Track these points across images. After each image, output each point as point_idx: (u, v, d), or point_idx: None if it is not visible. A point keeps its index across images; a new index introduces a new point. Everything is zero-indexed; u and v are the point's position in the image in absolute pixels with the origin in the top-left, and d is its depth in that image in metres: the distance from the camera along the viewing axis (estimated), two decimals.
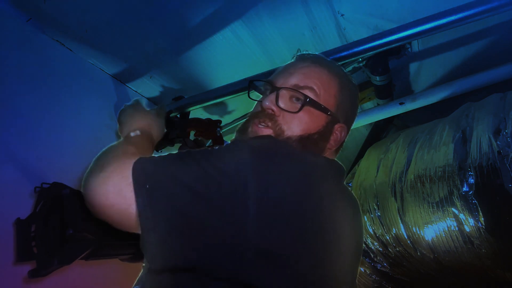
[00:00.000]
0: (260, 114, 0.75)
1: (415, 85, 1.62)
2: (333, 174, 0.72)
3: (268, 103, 0.74)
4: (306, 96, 0.73)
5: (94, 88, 1.40)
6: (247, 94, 0.87)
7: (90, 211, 0.63)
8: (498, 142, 1.01)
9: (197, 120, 1.36)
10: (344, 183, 0.79)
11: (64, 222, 0.80)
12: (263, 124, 0.73)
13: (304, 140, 0.72)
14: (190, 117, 1.36)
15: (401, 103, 1.48)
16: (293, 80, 0.76)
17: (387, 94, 1.52)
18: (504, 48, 1.35)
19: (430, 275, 1.23)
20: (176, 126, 1.27)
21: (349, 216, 0.72)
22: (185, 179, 0.58)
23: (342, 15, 1.22)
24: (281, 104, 0.73)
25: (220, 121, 1.43)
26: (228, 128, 1.70)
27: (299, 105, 0.73)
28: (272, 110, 0.74)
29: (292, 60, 0.84)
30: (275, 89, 0.75)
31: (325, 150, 0.77)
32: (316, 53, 0.89)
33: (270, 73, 1.16)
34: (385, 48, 1.04)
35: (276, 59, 1.39)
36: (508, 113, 1.06)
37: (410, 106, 1.47)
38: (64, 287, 1.09)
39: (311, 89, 0.74)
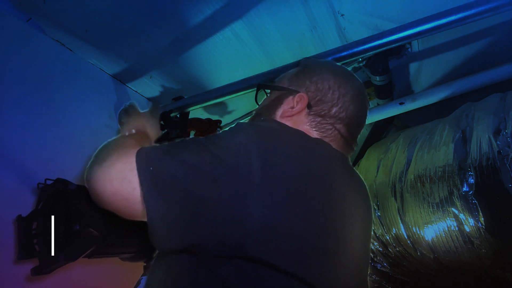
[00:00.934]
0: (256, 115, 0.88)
1: (415, 85, 1.62)
2: (336, 155, 0.74)
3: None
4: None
5: (94, 88, 1.40)
6: (254, 97, 0.96)
7: (95, 201, 0.64)
8: (498, 142, 1.01)
9: (197, 120, 1.36)
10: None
11: (69, 218, 0.79)
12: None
13: (254, 116, 0.84)
14: (190, 117, 1.37)
15: (401, 103, 1.48)
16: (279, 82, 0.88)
17: (387, 94, 1.52)
18: (504, 48, 1.35)
19: (430, 275, 1.23)
20: (176, 126, 1.27)
21: (355, 195, 0.72)
22: (188, 159, 0.59)
23: (342, 15, 1.22)
24: (258, 100, 0.89)
25: (220, 121, 1.43)
26: (228, 128, 1.70)
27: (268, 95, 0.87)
28: (258, 107, 0.88)
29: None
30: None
31: (279, 117, 0.80)
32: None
33: (270, 73, 1.17)
34: (385, 48, 1.04)
35: (276, 59, 1.39)
36: (508, 113, 1.06)
37: (410, 106, 1.47)
38: (64, 287, 1.09)
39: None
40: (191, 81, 1.52)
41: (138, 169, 0.60)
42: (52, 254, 0.77)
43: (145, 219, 0.60)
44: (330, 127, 0.76)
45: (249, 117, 1.21)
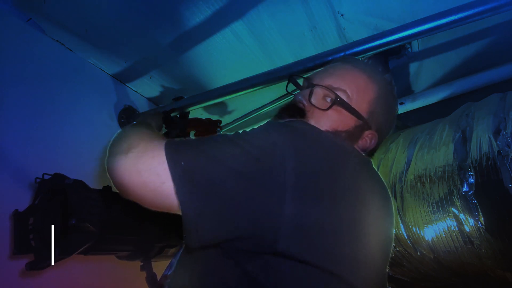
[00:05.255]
0: (290, 107, 0.80)
1: (415, 85, 1.62)
2: (363, 159, 0.75)
3: (301, 97, 0.79)
4: (337, 96, 0.76)
5: (94, 88, 1.40)
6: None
7: (118, 191, 0.63)
8: (498, 142, 1.01)
9: (197, 120, 1.36)
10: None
11: (65, 212, 0.78)
12: (291, 118, 0.77)
13: (331, 134, 0.75)
14: (190, 117, 1.37)
15: (401, 103, 1.48)
16: (329, 80, 0.79)
17: None
18: (504, 48, 1.35)
19: (430, 275, 1.23)
20: (176, 126, 1.27)
21: (381, 200, 0.74)
22: (220, 156, 0.59)
23: (342, 15, 1.22)
24: (313, 100, 0.77)
25: (220, 121, 1.43)
26: (228, 128, 1.70)
27: (329, 105, 0.76)
28: (303, 104, 0.78)
29: (337, 62, 0.88)
30: (310, 86, 0.80)
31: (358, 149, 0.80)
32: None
33: (270, 73, 1.17)
34: (385, 48, 1.04)
35: (276, 59, 1.39)
36: (508, 113, 1.06)
37: (410, 106, 1.47)
38: (60, 284, 1.08)
39: (344, 91, 0.78)
40: (191, 81, 1.52)
41: (169, 164, 0.58)
42: (46, 250, 0.76)
43: (172, 212, 0.60)
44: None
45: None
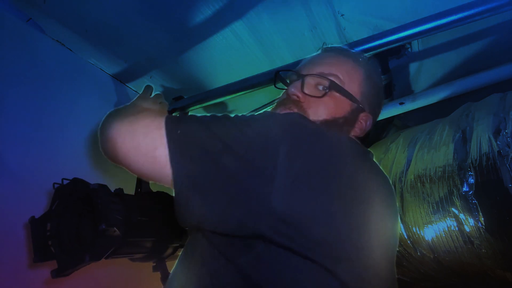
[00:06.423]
0: (286, 101, 0.78)
1: (415, 85, 1.62)
2: (359, 150, 0.73)
3: (294, 89, 0.76)
4: (331, 81, 0.75)
5: (94, 88, 1.40)
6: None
7: (109, 155, 0.61)
8: (498, 142, 1.01)
9: None
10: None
11: (93, 217, 0.78)
12: (288, 110, 0.75)
13: (330, 123, 0.73)
14: None
15: (401, 103, 1.48)
16: (319, 69, 0.78)
17: (387, 94, 1.52)
18: (504, 48, 1.35)
19: (430, 275, 1.23)
20: None
21: (382, 194, 0.71)
22: (220, 133, 0.58)
23: (342, 15, 1.22)
24: (306, 90, 0.76)
25: None
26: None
27: (324, 91, 0.75)
28: (297, 96, 0.76)
29: (318, 52, 0.87)
30: (301, 77, 0.78)
31: (350, 135, 0.79)
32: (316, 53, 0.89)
33: (270, 73, 1.17)
34: (385, 48, 1.04)
35: (276, 59, 1.39)
36: (508, 113, 1.06)
37: (410, 106, 1.47)
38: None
39: (335, 76, 0.77)
40: (191, 81, 1.52)
41: (167, 128, 0.58)
42: (77, 255, 0.75)
43: (162, 183, 0.59)
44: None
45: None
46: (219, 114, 0.64)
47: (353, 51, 0.87)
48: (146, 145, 0.57)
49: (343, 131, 0.76)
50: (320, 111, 0.74)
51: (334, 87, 0.75)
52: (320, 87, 0.76)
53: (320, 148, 0.61)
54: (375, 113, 0.84)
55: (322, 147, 0.61)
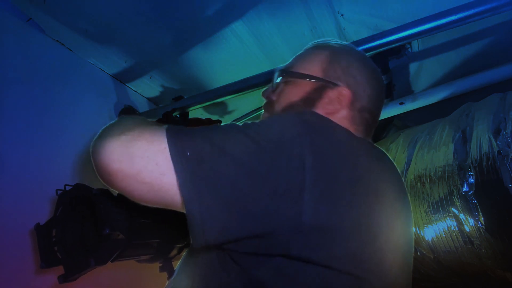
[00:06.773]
0: (264, 105, 0.81)
1: (415, 85, 1.62)
2: (378, 153, 0.72)
3: (264, 93, 0.81)
4: (283, 70, 0.77)
5: (94, 88, 1.40)
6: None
7: (104, 180, 0.54)
8: (498, 142, 1.01)
9: (197, 120, 1.36)
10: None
11: (96, 222, 0.77)
12: (267, 114, 0.78)
13: (287, 107, 0.74)
14: (190, 117, 1.37)
15: (401, 103, 1.48)
16: (285, 66, 0.81)
17: (387, 94, 1.52)
18: (504, 48, 1.35)
19: (430, 275, 1.23)
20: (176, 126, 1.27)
21: (398, 191, 0.70)
22: (230, 148, 0.52)
23: (342, 15, 1.22)
24: (271, 88, 0.79)
25: (220, 121, 1.43)
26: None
27: (281, 82, 0.78)
28: (268, 98, 0.79)
29: None
30: (269, 81, 0.82)
31: (321, 112, 0.74)
32: None
33: (270, 73, 1.17)
34: (385, 48, 1.04)
35: (276, 59, 1.39)
36: (508, 113, 1.06)
37: (410, 106, 1.47)
38: None
39: (292, 66, 0.79)
40: (191, 81, 1.52)
41: (171, 152, 0.50)
42: (74, 261, 0.75)
43: (170, 208, 0.54)
44: (361, 120, 0.75)
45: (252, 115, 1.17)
46: (223, 125, 0.59)
47: (333, 42, 0.84)
48: (150, 173, 0.50)
49: (308, 108, 0.74)
50: (281, 100, 0.76)
51: (287, 73, 0.77)
52: (280, 79, 0.78)
53: (341, 153, 0.58)
54: (359, 86, 0.76)
55: (343, 152, 0.59)
